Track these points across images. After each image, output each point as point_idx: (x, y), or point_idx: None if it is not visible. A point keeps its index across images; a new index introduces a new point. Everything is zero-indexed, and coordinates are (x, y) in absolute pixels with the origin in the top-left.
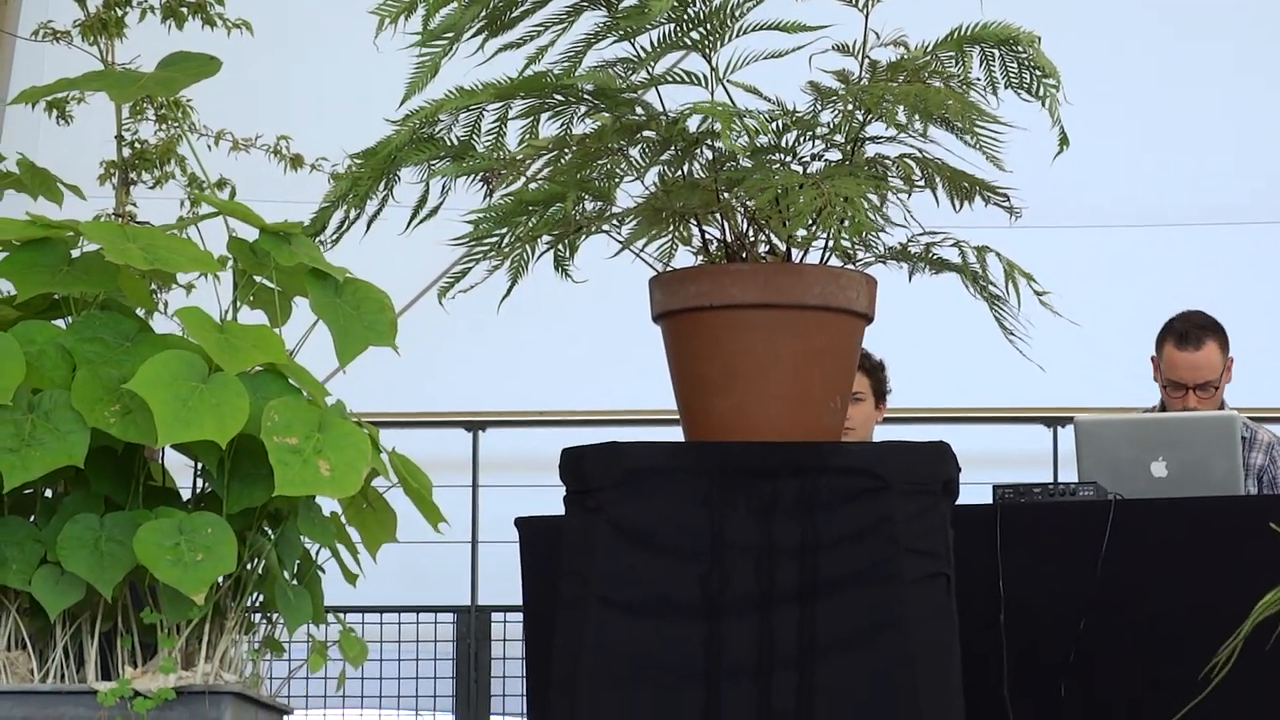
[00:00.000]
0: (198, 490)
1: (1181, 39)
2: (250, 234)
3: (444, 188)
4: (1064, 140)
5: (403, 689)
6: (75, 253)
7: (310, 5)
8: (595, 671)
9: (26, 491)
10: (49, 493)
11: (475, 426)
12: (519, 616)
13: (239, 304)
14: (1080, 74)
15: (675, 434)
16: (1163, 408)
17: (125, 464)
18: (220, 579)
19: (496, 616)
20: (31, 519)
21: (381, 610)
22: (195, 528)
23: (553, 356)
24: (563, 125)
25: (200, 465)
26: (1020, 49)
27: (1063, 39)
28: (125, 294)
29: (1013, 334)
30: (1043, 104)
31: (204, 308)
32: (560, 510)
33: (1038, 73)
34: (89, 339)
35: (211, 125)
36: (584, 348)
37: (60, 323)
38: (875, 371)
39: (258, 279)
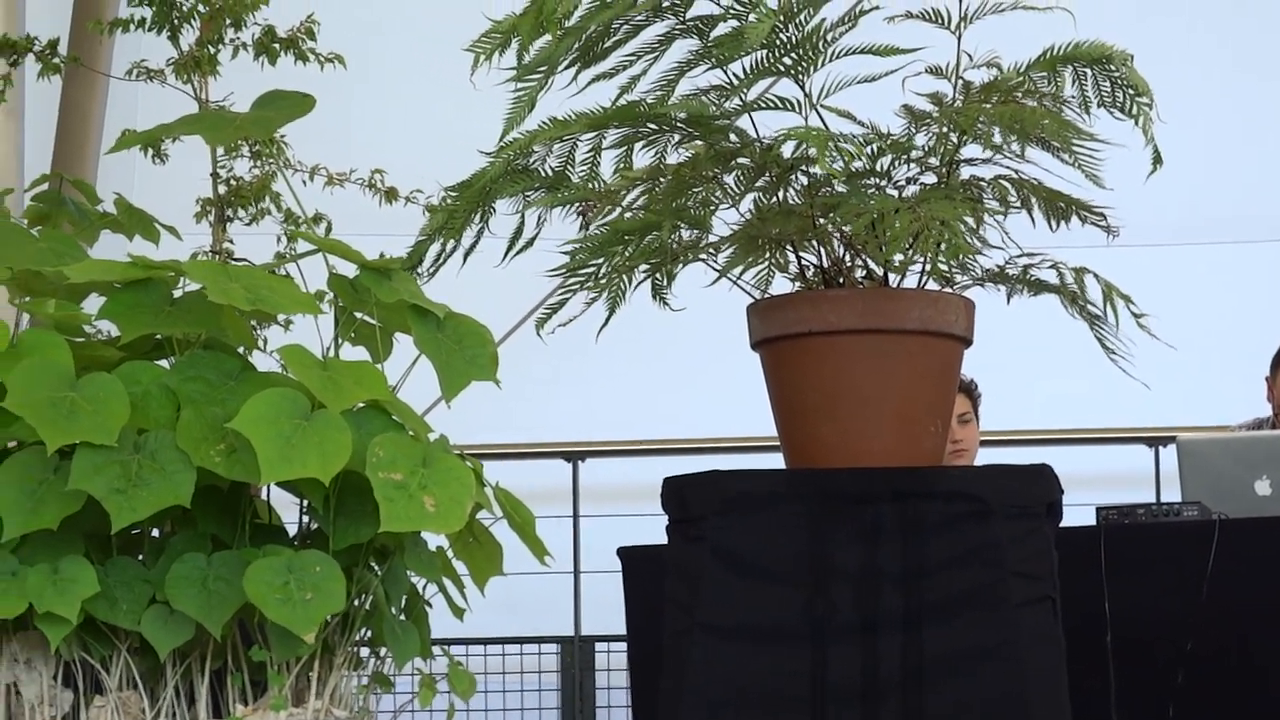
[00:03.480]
0: (304, 527)
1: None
2: (349, 269)
3: (539, 219)
4: (1157, 159)
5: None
6: (177, 293)
7: (401, 39)
8: (701, 700)
9: (134, 531)
10: (156, 532)
11: (575, 457)
12: (623, 646)
13: (340, 340)
14: (1169, 88)
15: (775, 460)
16: (1271, 426)
17: (231, 502)
18: (329, 617)
19: (600, 646)
20: (139, 558)
21: (486, 642)
22: (304, 566)
23: (651, 385)
24: (657, 154)
25: (306, 502)
26: (1113, 67)
27: (1149, 54)
28: (227, 332)
29: (1114, 354)
30: (1136, 122)
31: (304, 344)
32: (661, 539)
33: (1130, 91)
34: (193, 378)
35: (305, 160)
36: (682, 375)
37: (164, 363)
38: (971, 391)
39: (359, 315)
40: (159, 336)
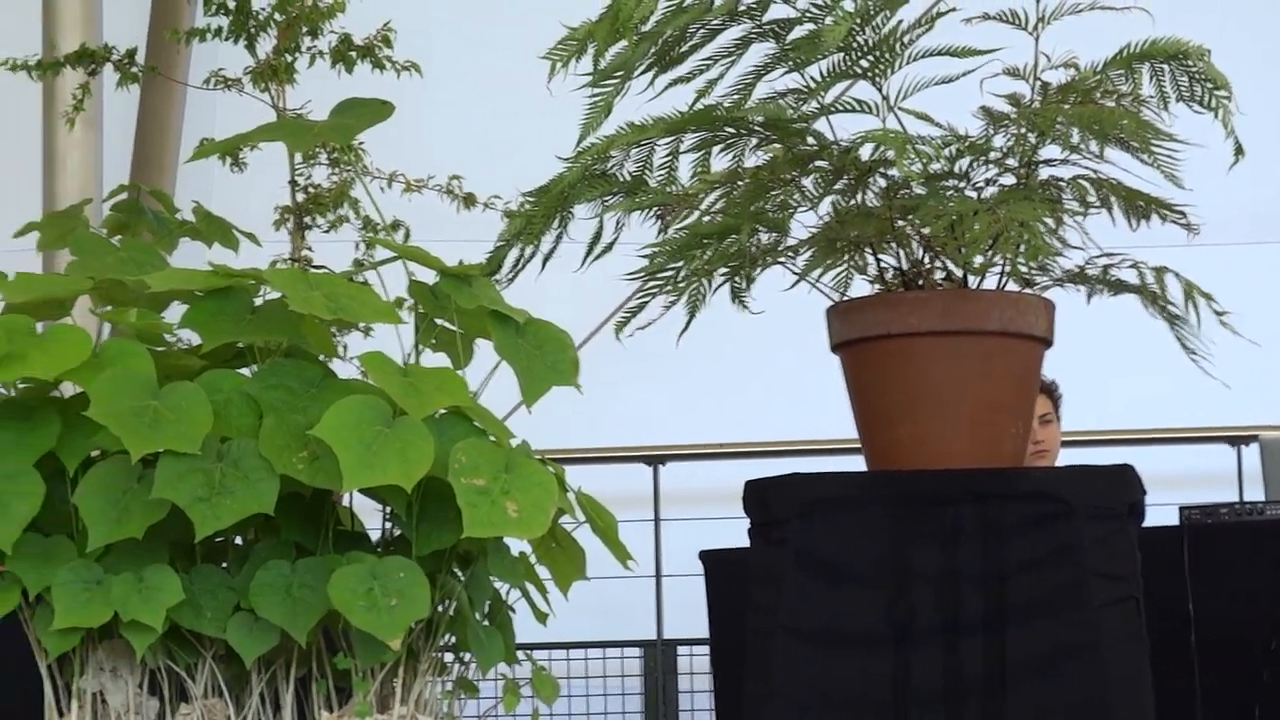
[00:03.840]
0: (386, 534)
1: None
2: (427, 275)
3: (618, 223)
4: (1239, 151)
5: None
6: (258, 301)
7: (476, 44)
8: (785, 703)
9: (218, 539)
10: (239, 540)
11: (655, 460)
12: (705, 649)
13: (421, 347)
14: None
15: (855, 463)
16: None
17: (314, 509)
18: (413, 623)
19: (683, 650)
20: (224, 566)
21: (568, 646)
22: (388, 572)
23: (731, 388)
24: (735, 157)
25: (388, 509)
26: (1190, 62)
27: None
28: (308, 340)
29: (1195, 353)
30: (1215, 115)
31: (385, 350)
32: (743, 542)
33: (1209, 85)
34: (274, 386)
35: (383, 166)
36: (762, 378)
37: (245, 371)
38: (1052, 392)
39: (439, 322)
40: (240, 345)
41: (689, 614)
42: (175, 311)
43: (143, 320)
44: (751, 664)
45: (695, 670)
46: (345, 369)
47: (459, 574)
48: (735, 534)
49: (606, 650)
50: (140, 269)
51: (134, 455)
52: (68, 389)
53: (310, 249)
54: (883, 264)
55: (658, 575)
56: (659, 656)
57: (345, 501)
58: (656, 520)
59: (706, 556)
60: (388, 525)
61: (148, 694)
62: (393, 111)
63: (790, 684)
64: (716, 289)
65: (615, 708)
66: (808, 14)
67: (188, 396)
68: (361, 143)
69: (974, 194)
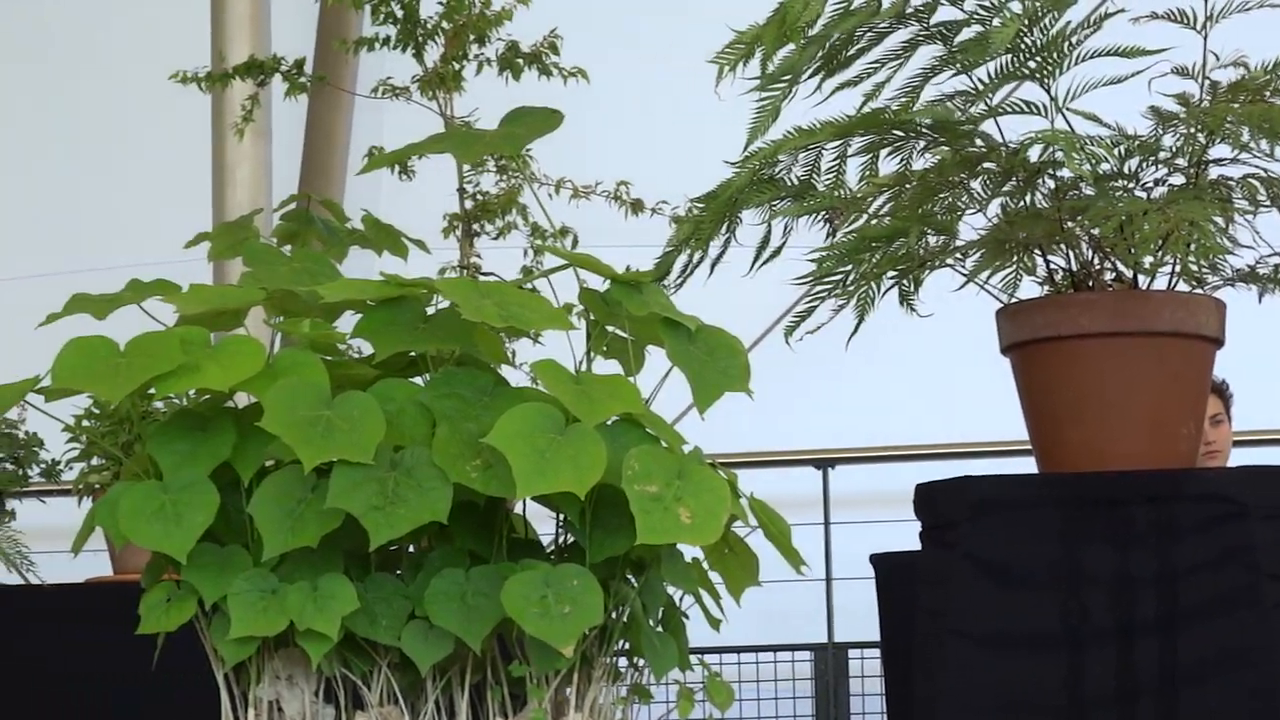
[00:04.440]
0: (560, 541)
1: None
2: (596, 281)
3: (786, 228)
4: None
5: None
6: (429, 309)
7: (643, 50)
8: (957, 707)
9: (392, 548)
10: (413, 548)
11: (824, 464)
12: (876, 653)
13: (592, 354)
14: None
15: (1025, 464)
16: None
17: (487, 518)
18: (587, 630)
19: (854, 653)
20: (398, 574)
21: (740, 650)
22: (561, 579)
23: (899, 391)
24: (902, 160)
25: (562, 516)
26: None
27: None
28: (480, 348)
29: None
30: None
31: (556, 358)
32: (913, 545)
33: None
34: (447, 395)
35: (550, 173)
36: (928, 381)
37: (418, 380)
38: (1223, 392)
39: (610, 329)
40: (412, 354)
41: (860, 617)
42: (347, 321)
43: (316, 330)
44: (922, 667)
45: (866, 674)
46: (518, 377)
47: (632, 580)
48: (905, 537)
49: (777, 654)
50: (312, 279)
51: (307, 465)
52: (241, 399)
53: (479, 256)
54: (1052, 265)
55: (828, 579)
56: (830, 660)
57: (518, 509)
58: (826, 524)
59: (877, 560)
60: (561, 532)
61: (323, 702)
62: (562, 120)
63: (961, 687)
64: (885, 292)
65: (786, 711)
66: (975, 16)
67: (361, 406)
68: (529, 150)
69: (1143, 194)
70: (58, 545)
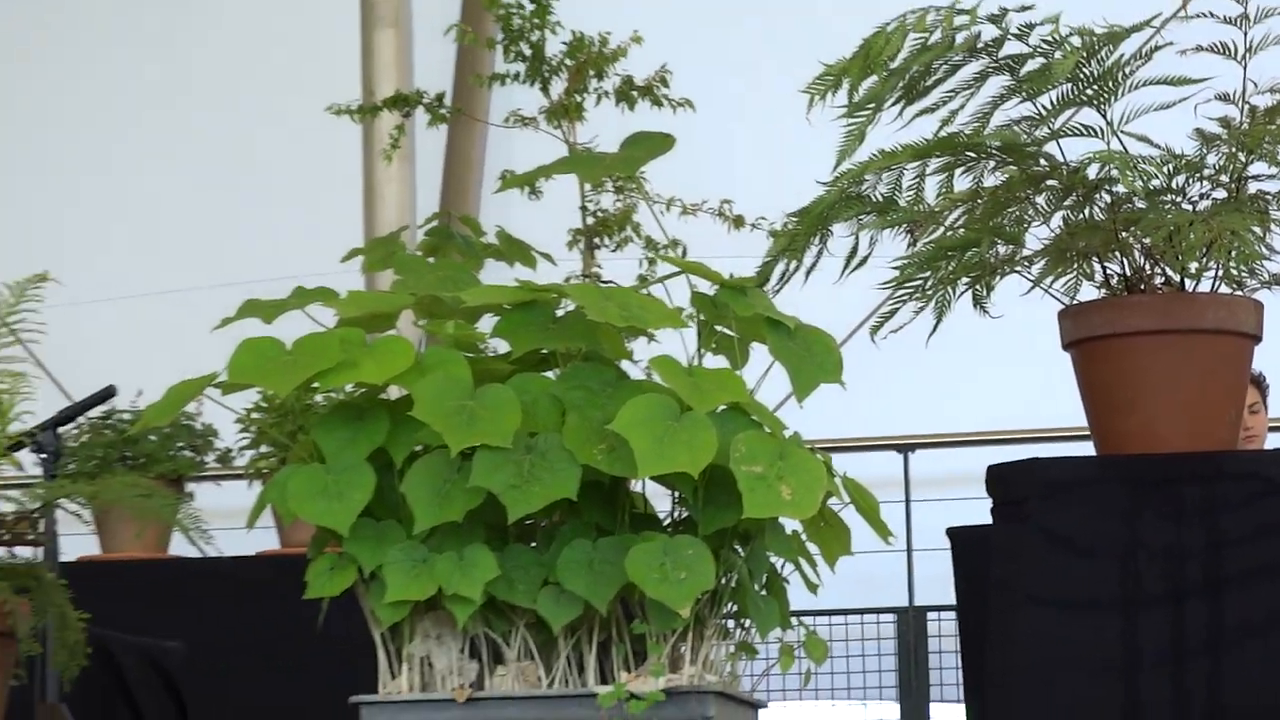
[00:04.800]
0: (675, 515)
1: None
2: (706, 287)
3: (871, 239)
4: None
5: (852, 681)
6: (559, 312)
7: (742, 79)
8: (1026, 663)
9: (528, 522)
10: (546, 522)
11: (905, 449)
12: (952, 615)
13: (703, 350)
14: None
15: (1085, 448)
16: None
17: (612, 495)
18: (700, 593)
19: (931, 615)
20: (533, 546)
21: (831, 613)
22: (677, 549)
23: (969, 384)
24: (975, 178)
25: (677, 493)
26: None
27: None
28: (603, 346)
29: None
30: None
31: (670, 354)
32: (985, 520)
33: None
34: (575, 387)
35: (662, 191)
36: (998, 373)
37: (549, 374)
38: (1260, 383)
39: (718, 328)
40: (544, 351)
41: (937, 584)
42: (486, 323)
43: (459, 331)
44: (996, 629)
45: (943, 634)
46: (636, 371)
47: (739, 550)
48: (977, 513)
49: (864, 616)
50: (455, 286)
51: (453, 449)
52: (394, 392)
53: (599, 266)
54: (1108, 271)
55: (909, 550)
56: (911, 621)
57: (638, 487)
58: (907, 501)
59: (953, 533)
60: (676, 508)
61: (467, 658)
62: (674, 144)
63: (1030, 647)
64: (959, 296)
65: (872, 667)
66: (1039, 50)
67: (500, 397)
68: (643, 171)
69: (1189, 207)
70: (231, 523)
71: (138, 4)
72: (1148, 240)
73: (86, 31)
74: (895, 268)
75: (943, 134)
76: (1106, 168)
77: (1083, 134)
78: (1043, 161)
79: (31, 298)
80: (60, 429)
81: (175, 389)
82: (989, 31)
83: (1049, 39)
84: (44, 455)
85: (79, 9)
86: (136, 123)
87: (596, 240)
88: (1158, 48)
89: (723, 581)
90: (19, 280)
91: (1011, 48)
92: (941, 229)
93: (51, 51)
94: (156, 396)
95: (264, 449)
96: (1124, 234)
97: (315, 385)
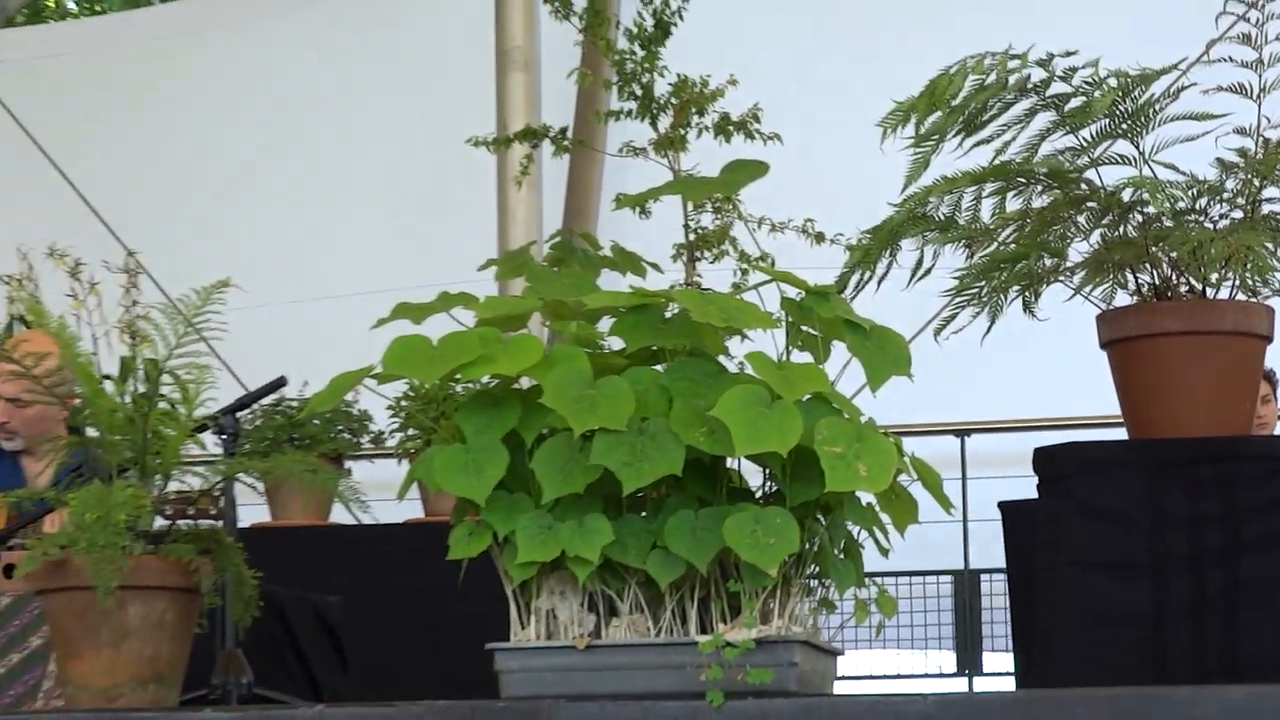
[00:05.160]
0: (766, 489)
1: None
2: (792, 293)
3: (935, 253)
4: None
5: (915, 634)
6: (667, 314)
7: (821, 116)
8: (1067, 618)
9: (639, 495)
10: (654, 495)
11: (963, 433)
12: (1002, 576)
13: (791, 347)
14: None
15: (1119, 433)
16: None
17: (711, 471)
18: (787, 556)
19: (984, 577)
20: (643, 515)
21: (898, 574)
22: (768, 518)
23: (1020, 375)
24: (1024, 200)
25: (768, 470)
26: None
27: None
28: (705, 343)
29: None
30: None
31: (761, 349)
32: (1031, 495)
33: None
34: (681, 378)
35: (754, 211)
36: (1043, 368)
37: (658, 367)
38: (1271, 377)
39: (804, 328)
40: (654, 348)
41: (989, 549)
42: (605, 324)
43: (581, 330)
44: (1040, 589)
45: (994, 593)
46: (732, 366)
47: (821, 519)
48: (1025, 489)
49: (926, 577)
50: (577, 292)
51: (576, 431)
52: (525, 382)
53: (700, 275)
54: (1139, 280)
55: (965, 520)
56: (966, 581)
57: (734, 465)
58: (964, 478)
59: (1004, 505)
60: (767, 482)
61: (587, 611)
62: (768, 170)
63: (1070, 604)
64: (1011, 302)
65: (933, 621)
66: (1080, 89)
67: (616, 387)
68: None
69: (1211, 226)
70: (383, 495)
71: (321, 64)
72: (1175, 254)
73: (279, 82)
74: (955, 277)
75: (997, 162)
76: (1139, 191)
77: (1118, 162)
78: (1083, 186)
79: (215, 301)
80: (238, 414)
81: (337, 380)
82: (1038, 74)
83: (1089, 80)
84: (224, 436)
85: (273, 67)
86: (314, 154)
87: (698, 253)
88: (1184, 88)
89: (806, 546)
90: (205, 286)
91: (1057, 88)
92: (995, 244)
93: (244, 99)
94: (321, 387)
95: (411, 432)
96: (1154, 249)
97: (457, 376)
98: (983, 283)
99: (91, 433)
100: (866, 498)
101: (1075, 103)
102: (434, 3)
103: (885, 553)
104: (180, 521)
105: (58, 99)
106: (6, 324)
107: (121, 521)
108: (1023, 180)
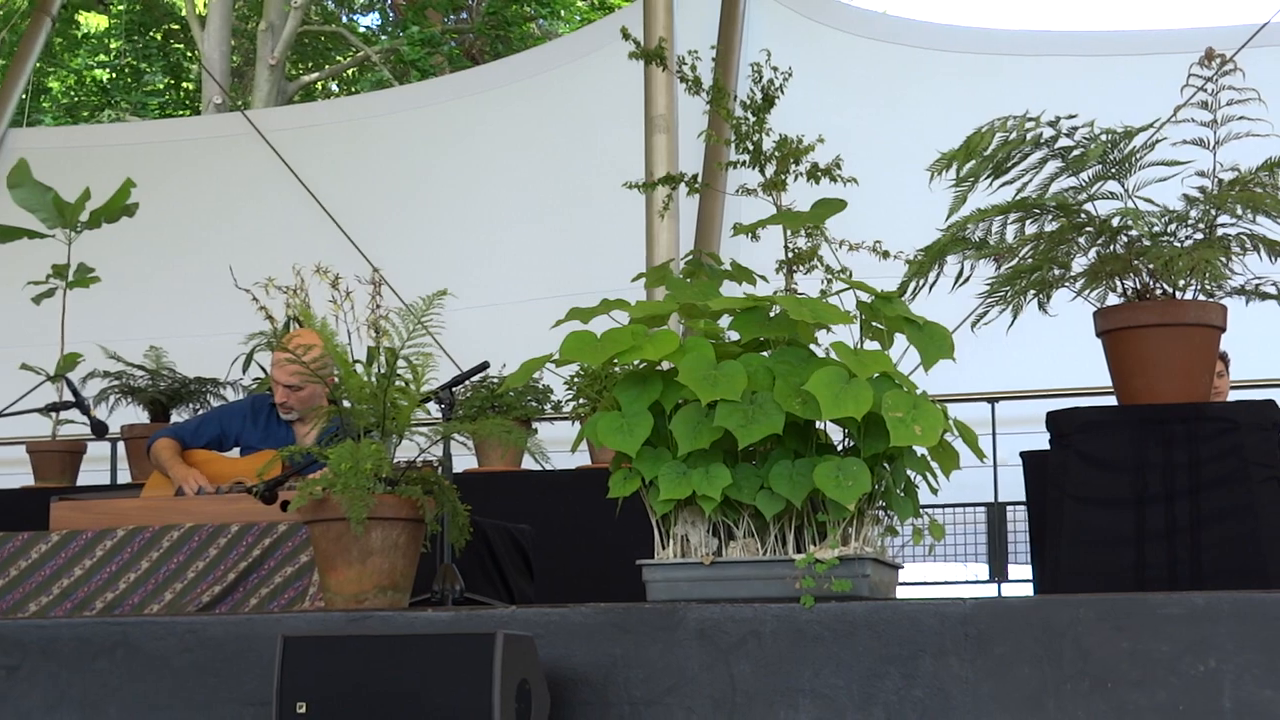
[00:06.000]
0: (845, 444)
1: None
2: (865, 297)
3: (972, 266)
4: None
5: (957, 551)
6: (772, 313)
7: (883, 162)
8: (1069, 539)
9: (751, 449)
10: (761, 449)
11: (993, 400)
12: (1022, 508)
13: (864, 338)
14: None
15: (1109, 400)
16: None
17: (805, 431)
18: (861, 494)
19: (1010, 508)
20: (753, 464)
21: (944, 506)
22: (847, 466)
23: (1035, 357)
24: (1038, 226)
25: (846, 430)
26: None
27: None
28: (800, 335)
29: None
30: None
31: (841, 339)
32: (1044, 446)
33: None
34: (782, 362)
35: (836, 234)
36: (1052, 351)
37: (765, 353)
38: (1224, 357)
39: (874, 324)
40: (761, 339)
41: (1013, 488)
42: (724, 320)
43: (707, 326)
44: (1051, 518)
45: (1018, 520)
46: (820, 352)
47: (887, 467)
48: (1039, 442)
49: (966, 508)
50: (705, 297)
51: (703, 401)
52: (665, 365)
53: (795, 284)
54: (1125, 285)
55: (994, 465)
56: (996, 511)
57: (821, 426)
58: (994, 434)
59: (1024, 455)
60: (846, 439)
61: (711, 535)
62: (845, 206)
63: (1072, 529)
64: (1028, 302)
65: (970, 541)
66: (1080, 143)
67: (733, 368)
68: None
69: (1179, 244)
70: (560, 449)
71: (509, 126)
72: (1152, 266)
73: (481, 142)
74: (987, 284)
75: (1018, 198)
76: (1125, 219)
77: (1109, 197)
78: (1083, 215)
79: (436, 305)
80: (453, 389)
81: (527, 364)
82: (1048, 131)
83: (1087, 136)
84: (443, 406)
85: (476, 131)
86: (504, 194)
87: (794, 267)
88: (1158, 141)
89: (876, 486)
90: (428, 295)
91: (1063, 142)
92: (1017, 259)
93: (455, 155)
94: (514, 368)
95: (580, 401)
96: (1136, 262)
97: (615, 361)
98: (1008, 288)
99: (345, 404)
100: (921, 450)
101: (1076, 152)
102: (593, 79)
103: (935, 491)
104: (410, 469)
105: (320, 155)
106: (284, 323)
107: (368, 470)
108: (1037, 211)
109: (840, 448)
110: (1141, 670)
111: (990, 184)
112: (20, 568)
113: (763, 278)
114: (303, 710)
